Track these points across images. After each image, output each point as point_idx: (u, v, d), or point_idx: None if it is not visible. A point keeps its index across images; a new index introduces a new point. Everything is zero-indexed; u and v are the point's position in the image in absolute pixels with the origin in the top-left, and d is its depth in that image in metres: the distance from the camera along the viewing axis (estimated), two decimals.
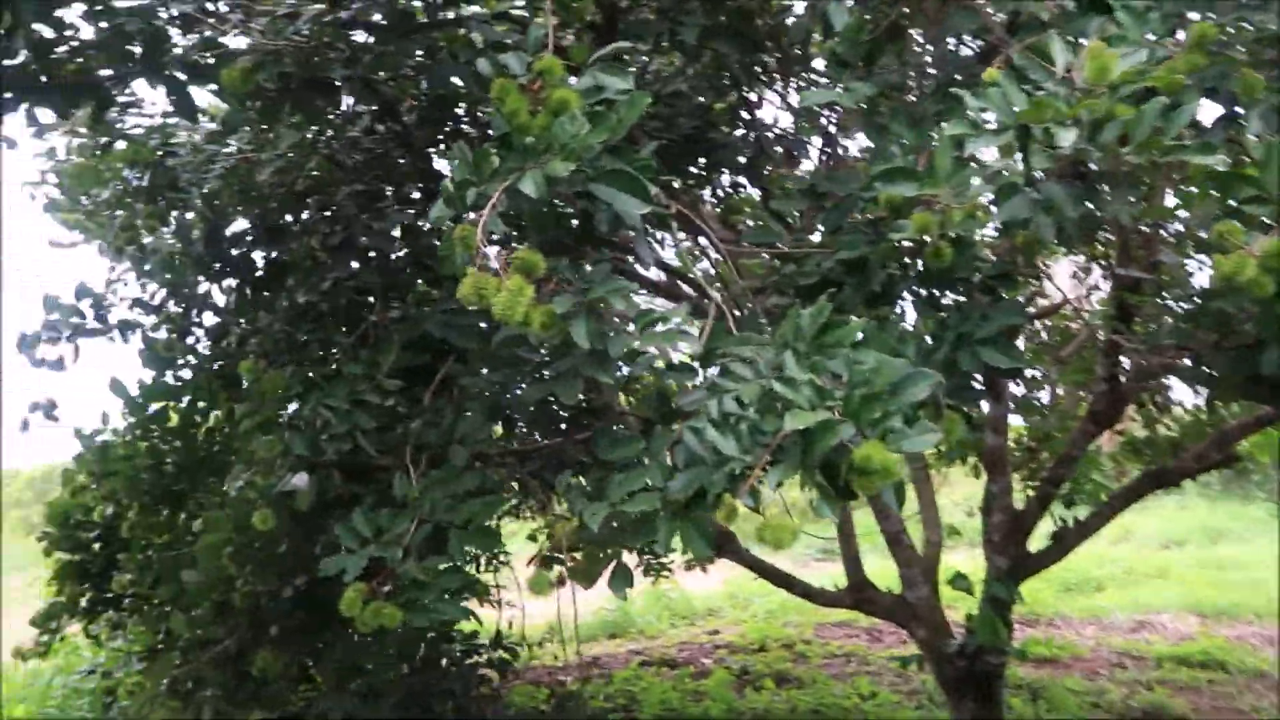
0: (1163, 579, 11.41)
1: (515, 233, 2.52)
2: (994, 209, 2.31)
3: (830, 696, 6.95)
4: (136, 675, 4.04)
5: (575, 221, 2.52)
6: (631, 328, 2.25)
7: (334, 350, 3.19)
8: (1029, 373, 6.73)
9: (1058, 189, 2.05)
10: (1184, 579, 10.81)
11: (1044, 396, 6.88)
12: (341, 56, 3.11)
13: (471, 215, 2.10)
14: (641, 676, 7.63)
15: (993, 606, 5.18)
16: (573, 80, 2.29)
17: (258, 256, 3.69)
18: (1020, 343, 4.70)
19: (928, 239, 2.27)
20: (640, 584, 9.26)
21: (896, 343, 2.23)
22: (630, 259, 3.31)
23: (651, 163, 2.20)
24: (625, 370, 2.63)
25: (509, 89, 2.21)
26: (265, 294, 3.59)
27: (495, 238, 2.13)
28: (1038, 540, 5.25)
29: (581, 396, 4.64)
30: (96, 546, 5.21)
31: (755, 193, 5.64)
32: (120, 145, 4.13)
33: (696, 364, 2.49)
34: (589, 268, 2.37)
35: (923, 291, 2.67)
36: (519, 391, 2.67)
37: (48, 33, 3.15)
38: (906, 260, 2.76)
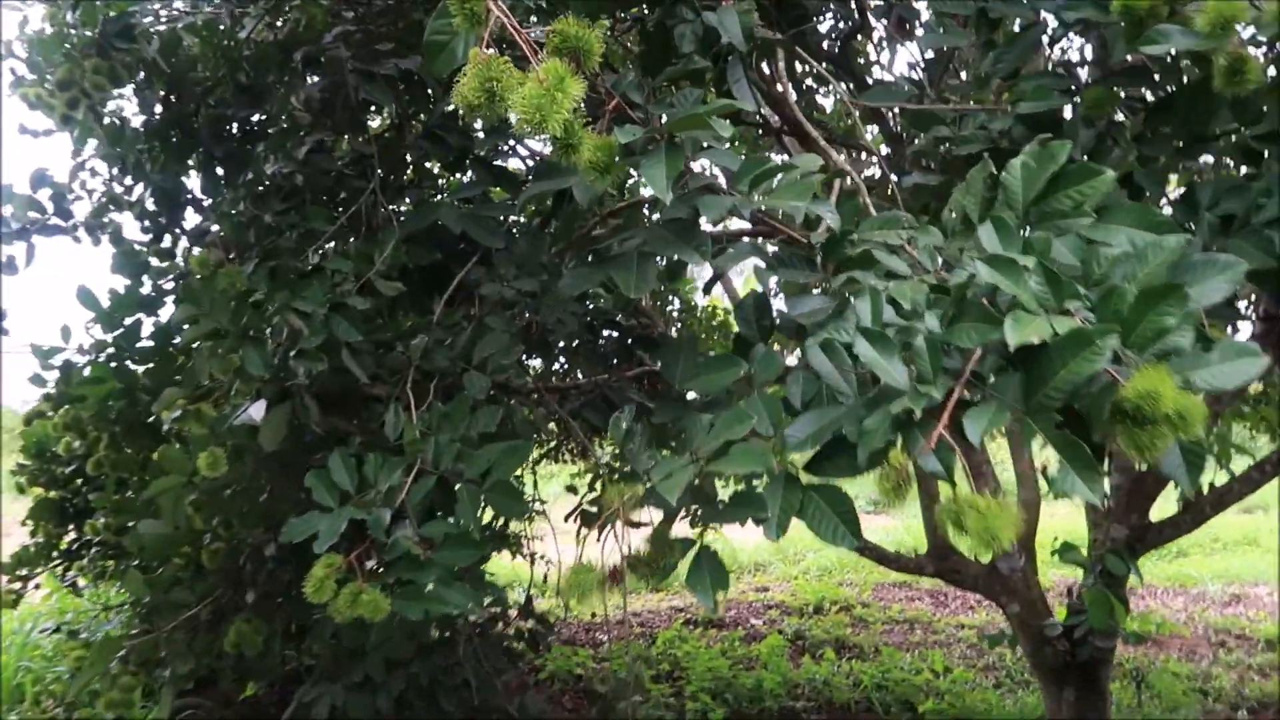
0: (1252, 546, 10.54)
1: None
2: None
3: (897, 670, 6.20)
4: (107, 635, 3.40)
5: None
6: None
7: (315, 240, 2.41)
8: None
9: None
10: (1275, 548, 9.91)
11: None
12: None
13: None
14: (686, 638, 6.93)
15: (1107, 582, 4.44)
16: None
17: (232, 127, 2.90)
18: None
19: (1220, 58, 1.41)
20: (684, 532, 8.59)
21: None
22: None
23: None
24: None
25: None
26: (239, 173, 2.81)
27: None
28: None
29: (631, 321, 3.88)
30: (79, 483, 4.60)
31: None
32: None
33: (819, 252, 1.67)
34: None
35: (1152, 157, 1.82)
36: (561, 285, 1.86)
37: None
38: (1121, 118, 1.91)
